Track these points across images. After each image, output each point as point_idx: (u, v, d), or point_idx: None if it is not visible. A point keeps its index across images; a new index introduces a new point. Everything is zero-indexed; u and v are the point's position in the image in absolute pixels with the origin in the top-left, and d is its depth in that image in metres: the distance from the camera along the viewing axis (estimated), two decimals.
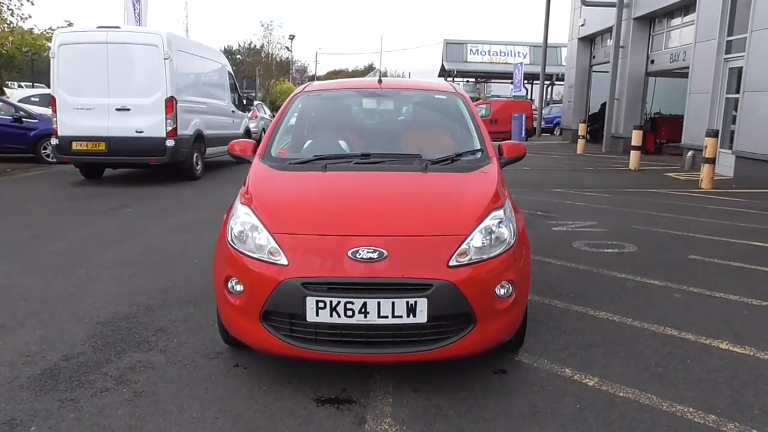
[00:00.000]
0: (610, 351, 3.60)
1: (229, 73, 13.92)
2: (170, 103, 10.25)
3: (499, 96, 30.70)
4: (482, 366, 3.32)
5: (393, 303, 2.79)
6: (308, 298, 2.82)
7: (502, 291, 2.99)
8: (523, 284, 3.14)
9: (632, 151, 14.05)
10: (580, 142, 18.68)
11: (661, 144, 19.14)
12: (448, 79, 54.68)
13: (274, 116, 18.42)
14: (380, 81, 4.51)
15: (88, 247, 5.97)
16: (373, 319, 2.81)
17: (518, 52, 49.20)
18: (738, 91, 12.20)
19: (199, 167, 11.46)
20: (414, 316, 2.81)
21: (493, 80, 55.65)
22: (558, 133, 30.68)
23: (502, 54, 49.44)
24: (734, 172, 11.92)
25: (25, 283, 4.79)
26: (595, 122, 22.32)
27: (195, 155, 11.27)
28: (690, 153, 13.85)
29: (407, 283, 2.82)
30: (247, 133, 14.80)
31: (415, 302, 2.80)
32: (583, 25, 22.49)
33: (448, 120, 4.26)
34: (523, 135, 24.11)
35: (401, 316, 2.81)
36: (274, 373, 3.25)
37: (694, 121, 13.77)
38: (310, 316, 2.83)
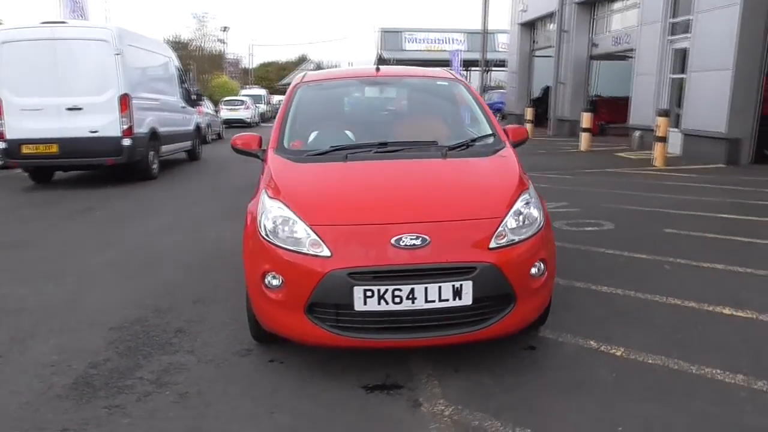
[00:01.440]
0: (625, 323, 3.78)
1: (177, 67, 13.54)
2: (125, 101, 9.89)
3: None
4: (510, 344, 3.42)
5: (440, 287, 2.86)
6: (355, 288, 2.84)
7: (536, 270, 3.10)
8: (552, 263, 3.26)
9: (583, 133, 14.54)
10: (527, 126, 19.13)
11: (603, 126, 19.85)
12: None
13: (217, 111, 18.07)
14: (378, 69, 4.53)
15: (68, 253, 5.75)
16: (420, 304, 2.86)
17: (454, 39, 49.85)
18: (682, 72, 12.81)
19: (155, 166, 11.13)
20: (460, 298, 2.88)
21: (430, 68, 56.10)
22: (501, 118, 31.33)
23: (439, 41, 49.98)
24: (682, 149, 12.53)
25: (18, 293, 4.58)
26: (539, 106, 22.92)
27: (151, 154, 10.93)
28: (638, 133, 14.46)
29: (452, 267, 2.89)
30: (198, 129, 14.47)
31: (461, 285, 2.87)
32: (524, 10, 22.99)
33: (455, 106, 4.34)
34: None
35: (447, 300, 2.88)
36: (312, 365, 3.26)
37: (641, 101, 14.37)
38: (358, 306, 2.86)
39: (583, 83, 19.24)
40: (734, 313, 3.92)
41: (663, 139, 11.19)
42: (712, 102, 11.32)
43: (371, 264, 2.88)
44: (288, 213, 3.09)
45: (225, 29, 50.34)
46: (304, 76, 4.50)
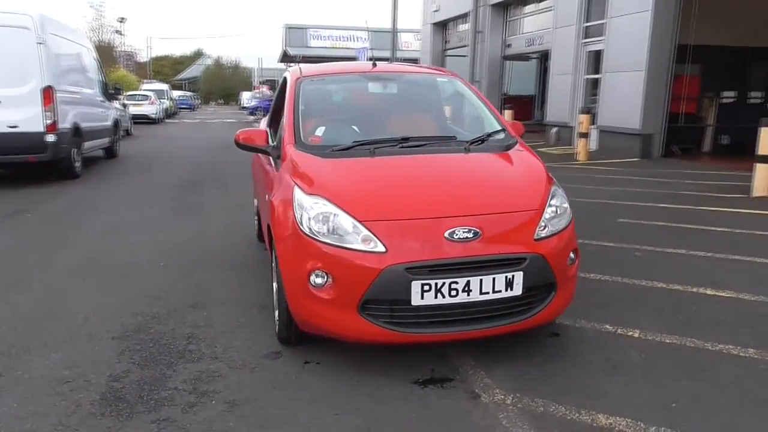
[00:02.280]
0: (628, 306, 4.01)
1: (96, 58, 12.69)
2: (48, 94, 9.12)
3: None
4: (534, 333, 3.52)
5: (494, 279, 2.91)
6: (413, 283, 2.83)
7: (570, 260, 3.23)
8: (578, 253, 3.40)
9: None
10: None
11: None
12: (291, 65, 54.45)
13: (125, 107, 16.85)
14: (374, 65, 4.50)
15: (17, 260, 5.25)
16: (475, 296, 2.90)
17: (359, 37, 50.07)
18: (596, 72, 13.66)
19: (78, 164, 10.36)
20: (511, 289, 2.95)
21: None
22: None
23: (344, 39, 50.10)
24: (598, 144, 13.37)
25: None
26: None
27: (74, 151, 10.16)
28: (554, 129, 15.25)
29: (505, 259, 2.95)
30: (116, 125, 13.64)
31: (513, 276, 2.94)
32: (436, 10, 23.53)
33: (459, 101, 4.39)
34: None
35: (500, 291, 2.93)
36: (353, 364, 3.20)
37: (557, 100, 15.16)
38: (415, 300, 2.85)
39: (497, 82, 20.00)
40: (716, 293, 4.26)
41: (586, 135, 11.89)
42: (626, 100, 12.16)
43: (428, 258, 2.88)
44: (333, 209, 3.01)
45: (122, 20, 47.59)
46: (300, 71, 4.38)
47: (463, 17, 22.18)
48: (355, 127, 4.03)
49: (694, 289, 4.33)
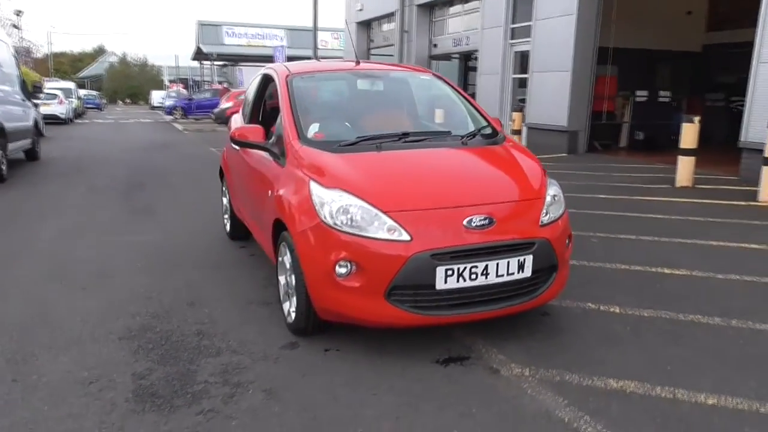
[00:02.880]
0: (600, 286, 4.38)
1: (14, 54, 11.97)
2: None
3: None
4: (528, 313, 3.79)
5: (508, 262, 3.16)
6: (438, 268, 3.03)
7: (567, 244, 3.54)
8: (572, 238, 3.71)
9: None
10: None
11: None
12: (205, 63, 52.99)
13: (37, 106, 15.90)
14: (358, 62, 4.65)
15: None
16: (492, 279, 3.14)
17: (275, 35, 49.64)
18: (524, 72, 14.35)
19: (4, 167, 9.77)
20: (522, 271, 3.21)
21: (243, 63, 55.16)
22: None
23: (259, 37, 49.45)
24: (526, 141, 14.05)
25: None
26: None
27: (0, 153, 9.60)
28: None
29: (517, 244, 3.20)
30: (36, 125, 12.91)
31: (524, 259, 3.20)
32: (360, 10, 23.75)
33: (443, 98, 4.61)
34: None
35: (513, 273, 3.19)
36: (371, 349, 3.36)
37: (485, 99, 15.75)
38: (439, 284, 3.05)
39: None
40: (673, 272, 4.73)
41: (519, 132, 12.49)
42: (554, 99, 12.88)
43: (451, 245, 3.08)
44: (356, 201, 3.14)
45: (19, 13, 44.52)
46: (287, 67, 4.45)
47: (387, 17, 22.54)
48: (347, 123, 4.16)
49: (653, 269, 4.78)
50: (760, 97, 8.86)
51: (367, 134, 3.77)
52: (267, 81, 4.92)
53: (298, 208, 3.35)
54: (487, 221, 3.16)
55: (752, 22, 15.23)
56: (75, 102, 31.69)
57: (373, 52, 24.76)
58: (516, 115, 12.39)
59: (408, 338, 3.46)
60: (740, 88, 15.87)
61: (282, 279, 3.75)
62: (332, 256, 3.11)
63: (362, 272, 3.07)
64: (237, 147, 4.68)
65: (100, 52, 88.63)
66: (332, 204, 3.17)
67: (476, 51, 16.62)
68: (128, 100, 74.96)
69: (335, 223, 3.13)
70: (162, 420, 2.67)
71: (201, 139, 18.86)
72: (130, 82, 76.48)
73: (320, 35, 49.12)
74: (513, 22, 14.67)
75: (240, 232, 5.65)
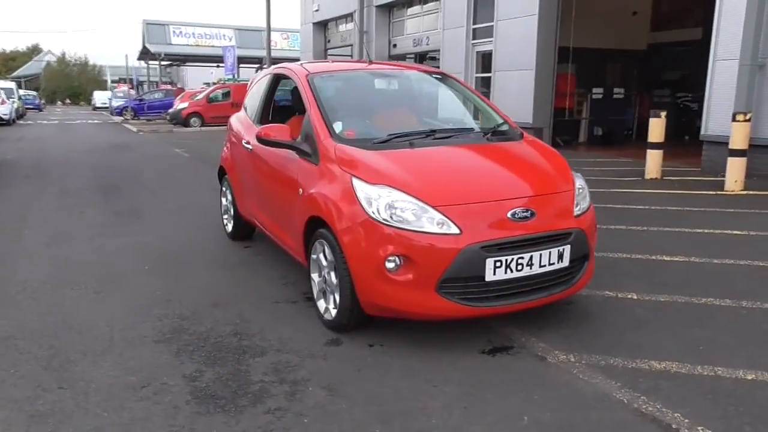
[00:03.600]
0: (612, 275, 4.54)
1: None
2: None
3: (238, 79, 30.29)
4: (555, 303, 3.90)
5: (550, 252, 3.27)
6: (488, 260, 3.11)
7: (593, 234, 3.68)
8: (596, 228, 3.85)
9: None
10: None
11: None
12: (152, 63, 51.56)
13: None
14: (370, 62, 4.69)
15: None
16: (536, 269, 3.25)
17: (224, 35, 48.86)
18: (486, 71, 14.63)
19: None
20: (562, 261, 3.34)
21: (191, 63, 54.06)
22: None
23: (208, 36, 48.58)
24: None
25: None
26: None
27: None
28: None
29: (557, 234, 3.32)
30: None
31: (563, 249, 3.33)
32: (317, 10, 23.66)
33: (456, 96, 4.69)
34: None
35: (554, 263, 3.31)
36: (415, 343, 3.41)
37: None
38: (489, 276, 3.14)
39: None
40: (672, 258, 4.97)
41: None
42: (518, 97, 13.20)
43: (498, 237, 3.16)
44: (403, 196, 3.19)
45: None
46: (305, 66, 4.44)
47: (345, 17, 22.53)
48: (368, 121, 4.20)
49: (653, 257, 5.01)
50: (718, 93, 9.33)
51: (396, 132, 3.82)
52: (277, 81, 4.90)
53: (341, 205, 3.37)
54: (528, 213, 3.26)
55: (693, 22, 16.12)
56: (17, 102, 30.36)
57: (330, 52, 24.69)
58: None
59: (447, 331, 3.53)
60: (685, 84, 16.82)
61: (315, 276, 3.76)
62: (382, 251, 3.14)
63: (413, 266, 3.12)
64: (249, 146, 4.64)
65: (35, 50, 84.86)
66: (380, 200, 3.20)
67: (437, 51, 16.82)
68: (68, 101, 72.15)
69: (385, 219, 3.17)
70: (232, 420, 2.65)
71: (160, 139, 18.39)
72: (69, 82, 73.72)
73: (272, 35, 48.83)
74: (474, 23, 14.94)
75: (243, 233, 5.60)
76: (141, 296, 4.23)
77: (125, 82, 47.92)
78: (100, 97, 53.47)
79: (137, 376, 3.05)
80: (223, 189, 5.84)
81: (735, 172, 7.70)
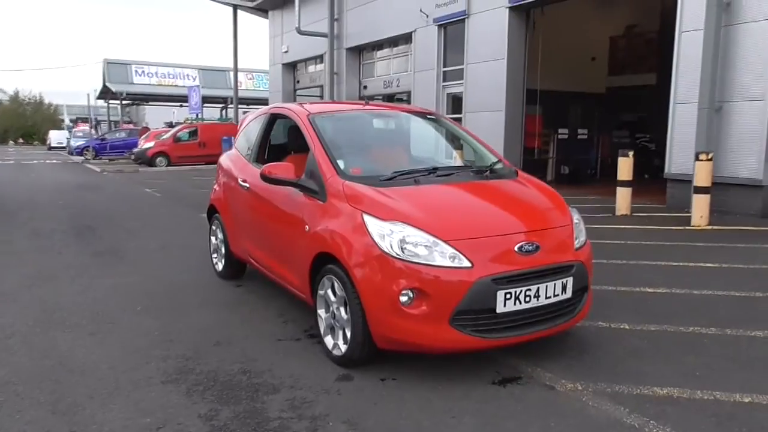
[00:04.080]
0: (602, 306, 4.62)
1: None
2: None
3: (203, 119, 30.26)
4: (552, 335, 4.03)
5: (554, 284, 3.40)
6: (498, 292, 3.22)
7: (591, 266, 3.84)
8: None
9: None
10: None
11: None
12: (113, 102, 51.11)
13: None
14: (367, 103, 4.84)
15: None
16: (542, 300, 3.37)
17: (187, 75, 49.01)
18: (456, 112, 15.04)
19: None
20: (565, 292, 3.47)
21: (153, 103, 53.83)
22: None
23: (171, 76, 48.71)
24: None
25: None
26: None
27: None
28: None
29: (561, 266, 3.46)
30: None
31: (567, 281, 3.46)
32: (286, 51, 23.98)
33: (454, 136, 4.86)
34: None
35: (558, 294, 3.44)
36: (426, 376, 3.46)
37: None
38: (500, 308, 3.24)
39: None
40: (656, 290, 5.16)
41: None
42: (489, 138, 13.42)
43: (508, 269, 3.28)
44: (416, 231, 3.29)
45: None
46: (304, 107, 4.54)
47: (314, 59, 22.90)
48: (370, 159, 4.32)
49: (637, 289, 5.21)
50: (679, 134, 9.84)
51: (399, 169, 3.94)
52: (273, 120, 5.00)
53: (353, 241, 3.44)
54: (533, 247, 3.40)
55: (647, 68, 17.00)
56: None
57: (299, 92, 24.97)
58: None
59: (455, 363, 3.60)
60: (642, 125, 17.61)
61: (323, 313, 3.80)
62: (396, 285, 3.22)
63: (427, 299, 3.20)
64: (246, 185, 4.70)
65: None
66: (393, 235, 3.29)
67: (407, 92, 17.22)
68: (21, 140, 70.51)
69: (398, 254, 3.25)
70: None
71: (127, 179, 18.14)
72: (22, 122, 72.21)
73: (232, 75, 48.96)
74: (445, 66, 15.40)
75: (234, 271, 5.59)
76: (139, 337, 4.18)
77: (84, 122, 47.28)
78: (56, 137, 52.49)
79: (151, 418, 3.02)
80: (213, 228, 5.84)
81: (700, 208, 8.07)
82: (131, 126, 42.96)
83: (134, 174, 20.73)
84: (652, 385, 3.32)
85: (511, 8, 13.04)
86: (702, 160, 8.01)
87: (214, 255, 5.87)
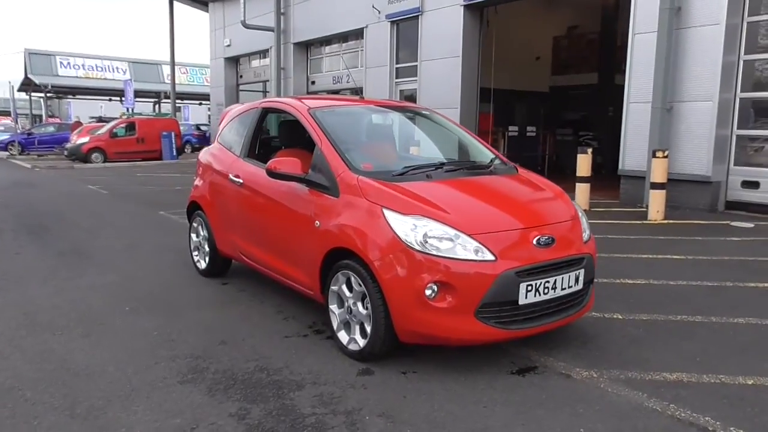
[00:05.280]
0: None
1: None
2: None
3: (141, 113, 29.04)
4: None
5: (569, 276, 3.52)
6: (521, 284, 3.31)
7: (596, 259, 3.99)
8: None
9: None
10: None
11: None
12: (35, 94, 48.45)
13: None
14: (362, 98, 4.83)
15: None
16: (558, 292, 3.48)
17: (117, 68, 47.18)
18: None
19: None
20: (578, 284, 3.60)
21: (81, 96, 51.50)
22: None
23: (99, 69, 46.70)
24: None
25: None
26: None
27: None
28: None
29: (575, 259, 3.58)
30: None
31: (579, 273, 3.59)
32: (228, 45, 23.47)
33: (450, 132, 4.90)
34: (174, 153, 23.82)
35: (572, 286, 3.56)
36: (445, 367, 3.52)
37: None
38: (522, 299, 3.33)
39: None
40: (636, 282, 5.41)
41: None
42: None
43: (529, 262, 3.37)
44: (439, 225, 3.33)
45: None
46: (303, 102, 4.49)
47: (257, 53, 22.52)
48: (375, 154, 4.32)
49: (617, 281, 5.43)
50: (632, 133, 10.30)
51: (412, 164, 3.97)
52: (265, 115, 4.91)
53: (374, 236, 3.44)
54: (551, 240, 3.50)
55: (589, 68, 17.69)
56: None
57: (242, 87, 24.48)
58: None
59: (469, 355, 3.66)
60: (585, 124, 18.32)
61: (335, 308, 3.78)
62: (422, 279, 3.25)
63: (453, 292, 3.24)
64: (239, 180, 4.61)
65: None
66: (417, 230, 3.32)
67: (359, 89, 17.22)
68: None
69: (422, 248, 3.28)
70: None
71: (64, 176, 17.26)
72: None
73: (165, 69, 47.58)
74: (397, 63, 15.49)
75: (219, 269, 5.47)
76: (137, 338, 4.02)
77: (4, 115, 44.61)
78: None
79: (180, 419, 2.93)
80: (194, 225, 5.67)
81: (656, 203, 8.49)
82: (59, 120, 40.91)
83: (70, 170, 19.75)
84: (660, 370, 3.49)
85: (465, 6, 13.26)
86: (658, 157, 8.43)
87: (195, 253, 5.71)
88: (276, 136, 5.38)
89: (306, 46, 19.88)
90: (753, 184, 9.05)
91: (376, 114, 4.79)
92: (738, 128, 9.19)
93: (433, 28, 14.09)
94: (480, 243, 3.30)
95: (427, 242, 3.29)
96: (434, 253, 3.27)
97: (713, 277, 5.53)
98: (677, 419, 2.94)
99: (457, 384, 3.32)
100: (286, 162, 4.00)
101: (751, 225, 8.22)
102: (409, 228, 3.34)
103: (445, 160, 4.30)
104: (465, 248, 3.28)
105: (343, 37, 18.15)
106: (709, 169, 9.05)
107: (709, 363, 3.62)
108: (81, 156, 22.80)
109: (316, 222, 3.84)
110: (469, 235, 3.32)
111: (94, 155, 22.95)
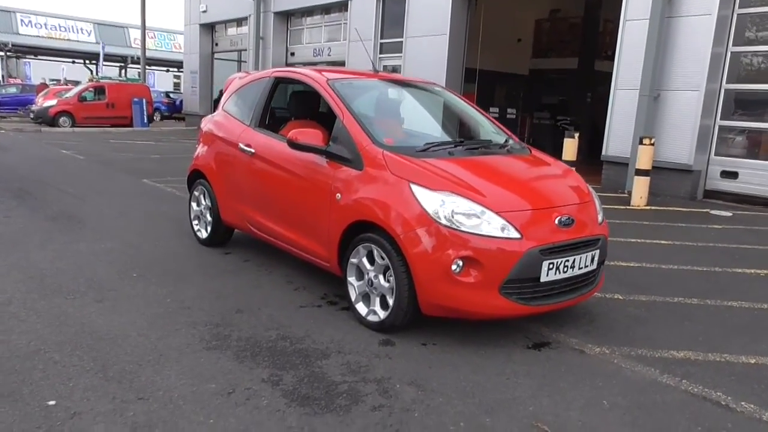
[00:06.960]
0: None
1: None
2: None
3: (110, 78, 28.10)
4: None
5: (586, 256, 3.65)
6: (544, 262, 3.41)
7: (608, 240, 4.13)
8: None
9: None
10: None
11: None
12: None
13: None
14: (376, 72, 4.84)
15: None
16: (576, 270, 3.61)
17: (81, 29, 45.64)
18: None
19: None
20: (593, 263, 3.72)
21: (43, 57, 49.65)
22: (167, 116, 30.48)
23: (63, 29, 45.07)
24: None
25: None
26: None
27: None
28: None
29: (592, 239, 3.71)
30: None
31: (594, 253, 3.72)
32: (204, 11, 22.92)
33: (459, 109, 4.95)
34: (145, 120, 23.31)
35: (588, 266, 3.68)
36: (463, 340, 3.62)
37: None
38: (543, 277, 3.44)
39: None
40: (629, 264, 5.60)
41: None
42: None
43: (552, 241, 3.47)
44: (467, 202, 3.40)
45: None
46: (321, 73, 4.47)
47: (234, 21, 22.06)
48: (396, 129, 4.35)
49: (613, 263, 5.56)
50: (617, 119, 10.50)
51: (432, 141, 4.01)
52: (277, 85, 4.88)
53: (401, 210, 3.48)
54: (571, 220, 3.61)
55: (570, 52, 17.88)
56: None
57: (218, 56, 23.98)
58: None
59: (484, 329, 3.78)
60: (563, 108, 18.58)
61: (354, 280, 3.83)
62: (449, 254, 3.32)
63: (480, 267, 3.32)
64: (250, 150, 4.59)
65: None
66: (445, 206, 3.38)
67: (340, 62, 17.06)
68: None
69: (450, 224, 3.34)
70: (347, 419, 2.69)
71: (33, 139, 16.73)
72: None
73: (132, 33, 46.16)
74: (382, 38, 15.39)
75: (220, 239, 5.45)
76: (152, 305, 4.01)
77: None
78: None
79: (215, 384, 2.96)
80: (196, 194, 5.62)
81: (640, 190, 8.73)
82: (20, 81, 39.38)
83: (37, 134, 19.16)
84: (668, 348, 3.66)
85: None
86: (645, 144, 8.65)
87: (196, 222, 5.66)
88: (281, 106, 5.34)
89: (287, 16, 19.56)
90: (732, 174, 9.38)
91: (391, 88, 4.80)
92: (721, 119, 9.47)
93: (421, 4, 14.02)
94: (506, 221, 3.39)
95: (454, 218, 3.35)
96: (462, 229, 3.34)
97: (701, 262, 5.76)
98: (691, 394, 3.10)
99: (477, 356, 3.43)
100: (307, 133, 3.99)
101: (729, 214, 8.54)
102: (437, 204, 3.40)
103: (460, 139, 4.36)
104: (491, 225, 3.36)
105: (326, 9, 17.91)
106: (691, 158, 9.34)
107: (711, 342, 3.80)
108: (48, 119, 22.08)
109: (337, 195, 3.86)
110: (496, 213, 3.40)
111: (62, 119, 22.27)
